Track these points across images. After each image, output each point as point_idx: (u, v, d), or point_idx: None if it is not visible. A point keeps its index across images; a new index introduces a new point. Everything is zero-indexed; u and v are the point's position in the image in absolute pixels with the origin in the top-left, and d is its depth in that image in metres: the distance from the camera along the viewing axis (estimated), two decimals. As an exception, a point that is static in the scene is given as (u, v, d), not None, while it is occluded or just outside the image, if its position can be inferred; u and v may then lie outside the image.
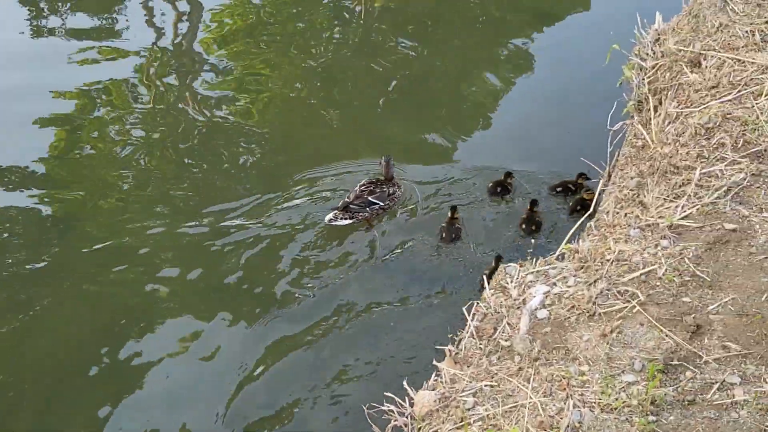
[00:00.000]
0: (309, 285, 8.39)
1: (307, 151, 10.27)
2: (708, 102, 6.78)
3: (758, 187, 5.98)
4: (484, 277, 6.25)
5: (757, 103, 6.59)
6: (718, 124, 6.50)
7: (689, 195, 5.99)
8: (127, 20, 13.15)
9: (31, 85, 11.23)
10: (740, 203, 5.89)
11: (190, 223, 9.08)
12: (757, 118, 6.45)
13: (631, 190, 6.49)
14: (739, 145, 6.31)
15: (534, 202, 9.02)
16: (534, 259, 6.05)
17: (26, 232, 9.03)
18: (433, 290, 8.31)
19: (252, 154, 10.16)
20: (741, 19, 7.58)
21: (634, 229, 5.90)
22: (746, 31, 7.39)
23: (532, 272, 5.92)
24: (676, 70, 7.36)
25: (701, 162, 6.28)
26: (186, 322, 8.02)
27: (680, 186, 6.13)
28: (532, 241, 8.82)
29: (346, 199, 9.27)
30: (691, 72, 7.19)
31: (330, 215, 9.12)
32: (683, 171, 6.27)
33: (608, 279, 5.50)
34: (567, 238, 6.42)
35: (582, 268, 5.75)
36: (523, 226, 8.93)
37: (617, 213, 6.24)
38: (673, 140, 6.62)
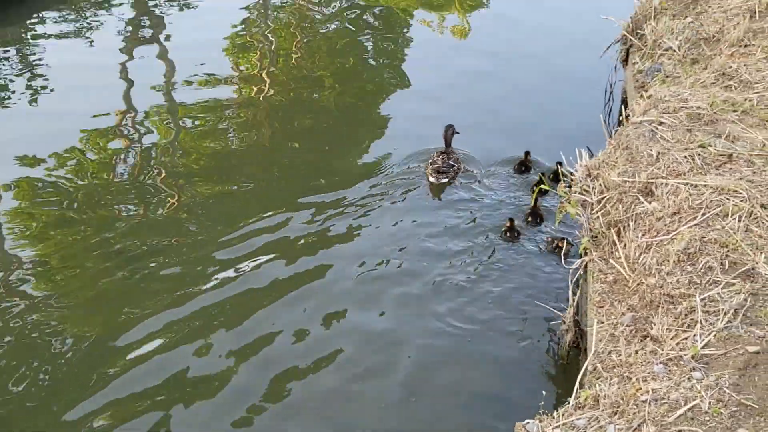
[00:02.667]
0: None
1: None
2: (676, 228, 6.82)
3: (761, 306, 5.95)
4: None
5: (726, 224, 6.67)
6: (698, 248, 6.52)
7: (700, 323, 5.88)
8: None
9: None
10: (751, 324, 5.82)
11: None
12: (733, 238, 6.51)
13: (627, 326, 6.32)
14: (727, 267, 6.32)
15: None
16: (555, 413, 5.70)
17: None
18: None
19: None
20: (674, 146, 7.81)
21: (657, 364, 5.69)
22: (684, 157, 7.60)
23: (558, 426, 5.57)
24: (628, 202, 7.41)
25: (695, 288, 6.22)
26: None
27: (686, 315, 6.02)
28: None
29: (434, 166, 11.82)
30: (647, 201, 7.27)
31: (432, 178, 11.79)
32: (680, 300, 6.18)
33: (653, 421, 5.21)
34: (576, 386, 6.11)
35: (616, 413, 5.44)
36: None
37: (626, 350, 6.01)
38: (656, 270, 6.56)
